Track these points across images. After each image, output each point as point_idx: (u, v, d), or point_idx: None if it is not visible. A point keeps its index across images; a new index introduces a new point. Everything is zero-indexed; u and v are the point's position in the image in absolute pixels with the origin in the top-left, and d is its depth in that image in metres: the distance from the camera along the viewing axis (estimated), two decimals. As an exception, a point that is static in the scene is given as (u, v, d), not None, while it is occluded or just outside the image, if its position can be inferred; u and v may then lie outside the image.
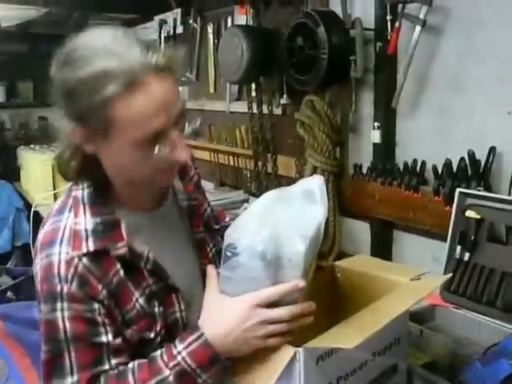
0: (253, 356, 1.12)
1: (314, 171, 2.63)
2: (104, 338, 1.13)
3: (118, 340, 1.16)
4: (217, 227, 1.54)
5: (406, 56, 2.21)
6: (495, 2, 1.95)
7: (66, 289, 1.10)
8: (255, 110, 3.20)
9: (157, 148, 1.11)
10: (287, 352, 1.09)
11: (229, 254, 1.10)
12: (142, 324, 1.20)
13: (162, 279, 1.24)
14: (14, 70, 5.51)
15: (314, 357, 1.10)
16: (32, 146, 4.91)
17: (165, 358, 1.12)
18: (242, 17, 3.21)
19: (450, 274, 1.87)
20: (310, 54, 2.43)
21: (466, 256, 1.91)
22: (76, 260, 1.12)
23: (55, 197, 4.19)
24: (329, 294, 1.61)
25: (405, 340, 1.44)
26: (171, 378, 1.09)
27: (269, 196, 1.19)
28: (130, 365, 1.15)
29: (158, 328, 1.22)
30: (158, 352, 1.14)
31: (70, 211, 1.19)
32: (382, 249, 2.58)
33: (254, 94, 3.20)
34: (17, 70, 5.51)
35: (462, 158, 2.05)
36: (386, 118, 2.42)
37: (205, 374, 1.10)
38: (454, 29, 2.12)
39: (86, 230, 1.15)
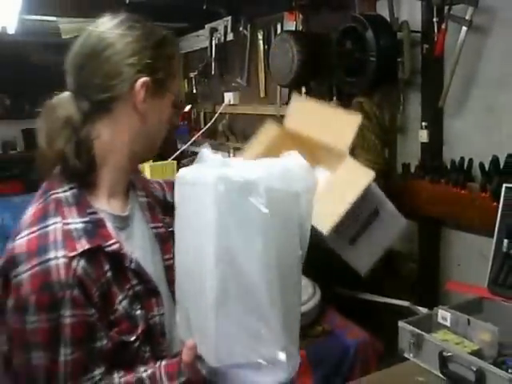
0: None
1: (363, 171, 2.69)
2: (99, 344, 1.14)
3: (108, 344, 1.16)
4: None
5: (452, 57, 2.27)
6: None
7: (68, 295, 1.09)
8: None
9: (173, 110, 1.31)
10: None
11: None
12: (124, 327, 1.19)
13: (143, 280, 1.25)
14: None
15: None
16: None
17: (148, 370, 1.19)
18: (291, 23, 3.30)
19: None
20: (359, 57, 2.50)
21: (513, 250, 1.96)
22: (75, 262, 1.10)
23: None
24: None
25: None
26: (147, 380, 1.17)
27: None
28: (116, 380, 1.17)
29: (139, 331, 1.21)
30: (145, 377, 1.18)
31: (55, 215, 1.16)
32: (430, 246, 2.62)
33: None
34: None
35: (509, 155, 2.10)
36: (434, 117, 2.48)
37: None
38: (500, 28, 2.17)
39: (76, 230, 1.14)
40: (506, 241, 1.98)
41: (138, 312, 1.22)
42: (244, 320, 1.09)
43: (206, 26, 4.40)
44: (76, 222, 1.15)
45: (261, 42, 3.78)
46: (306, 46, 2.89)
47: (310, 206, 1.19)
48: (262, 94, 3.86)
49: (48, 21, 4.06)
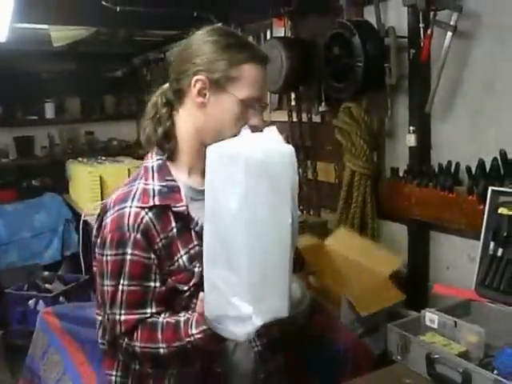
0: None
1: (353, 175, 2.72)
2: (152, 284, 1.43)
3: (163, 288, 1.44)
4: None
5: (438, 62, 2.29)
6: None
7: (132, 236, 1.40)
8: (295, 119, 3.31)
9: (253, 109, 1.46)
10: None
11: None
12: (180, 277, 1.46)
13: None
14: (63, 88, 5.70)
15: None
16: (80, 159, 5.10)
17: (184, 330, 1.38)
18: (280, 29, 3.33)
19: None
20: (347, 62, 2.53)
21: (500, 252, 1.97)
22: (143, 212, 1.41)
23: (103, 207, 4.36)
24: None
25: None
26: (187, 346, 1.38)
27: None
28: (161, 319, 1.42)
29: (192, 283, 1.46)
30: (182, 321, 1.40)
31: (141, 178, 1.49)
32: (420, 250, 2.64)
33: (293, 103, 3.31)
34: (65, 88, 5.70)
35: (495, 158, 2.12)
36: (421, 122, 2.50)
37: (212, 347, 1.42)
38: (484, 33, 2.21)
39: (153, 190, 1.45)
40: (492, 243, 2.00)
41: (196, 269, 1.46)
42: (225, 275, 1.25)
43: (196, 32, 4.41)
44: (154, 184, 1.47)
45: (251, 48, 3.79)
46: (295, 52, 2.92)
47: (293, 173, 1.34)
48: (253, 100, 3.86)
49: (39, 29, 4.07)
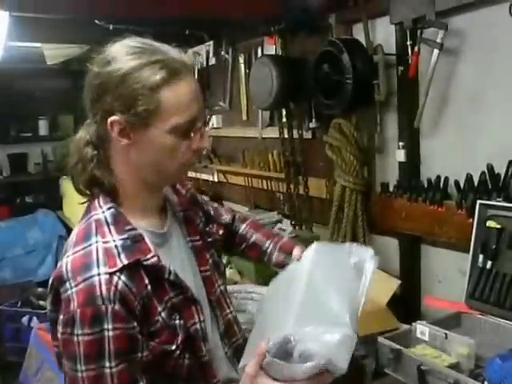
0: None
1: (343, 191, 2.75)
2: (139, 354, 1.20)
3: (149, 356, 1.23)
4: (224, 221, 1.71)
5: (426, 78, 2.33)
6: (508, 24, 2.05)
7: (110, 309, 1.15)
8: (286, 135, 3.33)
9: (187, 137, 1.25)
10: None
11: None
12: (164, 337, 1.26)
13: (182, 292, 1.31)
14: (56, 105, 5.76)
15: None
16: (74, 176, 5.12)
17: None
18: (271, 47, 3.37)
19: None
20: (336, 79, 2.56)
21: (489, 264, 2.02)
22: (115, 278, 1.18)
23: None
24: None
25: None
26: None
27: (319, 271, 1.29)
28: None
29: (179, 340, 1.28)
30: None
31: (96, 235, 1.24)
32: (411, 264, 2.67)
33: (284, 119, 3.33)
34: (59, 105, 5.75)
35: (483, 172, 2.15)
36: (410, 137, 2.53)
37: None
38: (470, 51, 2.25)
39: (116, 247, 1.22)
40: (481, 256, 2.04)
41: (177, 322, 1.29)
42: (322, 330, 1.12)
43: (189, 50, 4.46)
44: (115, 240, 1.23)
45: (242, 66, 3.85)
46: (285, 69, 2.95)
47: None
48: (245, 117, 3.92)
49: (33, 47, 4.11)
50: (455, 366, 1.73)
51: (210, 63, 4.22)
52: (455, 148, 2.37)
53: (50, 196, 5.47)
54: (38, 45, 4.03)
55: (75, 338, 1.15)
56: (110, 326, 1.15)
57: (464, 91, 2.31)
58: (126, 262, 1.20)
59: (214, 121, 4.23)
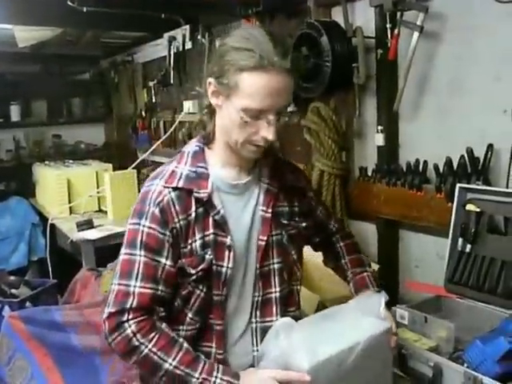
0: None
1: (322, 175, 2.73)
2: (163, 260, 1.48)
3: (172, 269, 1.49)
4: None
5: (405, 61, 2.31)
6: (488, 7, 2.05)
7: (151, 210, 1.48)
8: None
9: (254, 121, 1.43)
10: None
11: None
12: (190, 260, 1.51)
13: (222, 234, 1.52)
14: (28, 90, 5.63)
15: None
16: (47, 162, 5.04)
17: (205, 367, 1.43)
18: (248, 30, 3.32)
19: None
20: (315, 62, 2.53)
21: (468, 248, 2.01)
22: (166, 191, 1.50)
23: (71, 210, 4.32)
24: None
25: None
26: (196, 381, 1.41)
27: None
28: (181, 340, 1.46)
29: (200, 268, 1.50)
30: (203, 358, 1.46)
31: (175, 161, 1.57)
32: (389, 248, 2.66)
33: (261, 103, 3.30)
34: (31, 90, 5.63)
35: (462, 156, 2.15)
36: (389, 121, 2.52)
37: None
38: (450, 34, 2.24)
39: (181, 174, 1.52)
40: (460, 240, 2.03)
41: (207, 256, 1.51)
42: None
43: (165, 34, 4.40)
44: (184, 168, 1.54)
45: (219, 50, 3.78)
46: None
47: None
48: (222, 102, 3.86)
49: (3, 29, 4.00)
50: (435, 349, 1.73)
51: (186, 47, 4.16)
52: (434, 132, 2.36)
53: (23, 183, 5.35)
54: (10, 27, 3.91)
55: (127, 227, 1.53)
56: (147, 223, 1.48)
57: (443, 75, 2.30)
58: (181, 185, 1.50)
59: (191, 106, 4.15)
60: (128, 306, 1.44)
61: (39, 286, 3.82)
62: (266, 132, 1.45)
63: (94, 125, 6.17)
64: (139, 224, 1.49)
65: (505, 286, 1.87)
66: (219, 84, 1.44)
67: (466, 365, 1.57)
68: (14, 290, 3.89)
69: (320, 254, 1.97)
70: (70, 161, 4.98)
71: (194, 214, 1.50)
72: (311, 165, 2.86)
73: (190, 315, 1.54)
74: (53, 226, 4.11)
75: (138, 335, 1.42)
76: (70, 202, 4.32)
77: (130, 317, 1.43)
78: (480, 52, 2.15)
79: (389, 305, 2.06)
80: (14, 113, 5.65)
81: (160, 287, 1.47)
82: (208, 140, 1.59)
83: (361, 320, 1.53)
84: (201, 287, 1.52)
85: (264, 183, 1.63)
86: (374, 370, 1.52)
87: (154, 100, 4.91)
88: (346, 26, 2.56)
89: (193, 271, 1.50)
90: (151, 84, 4.85)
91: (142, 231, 1.48)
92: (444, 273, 2.08)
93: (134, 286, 1.45)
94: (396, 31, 2.31)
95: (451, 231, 2.06)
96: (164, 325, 1.47)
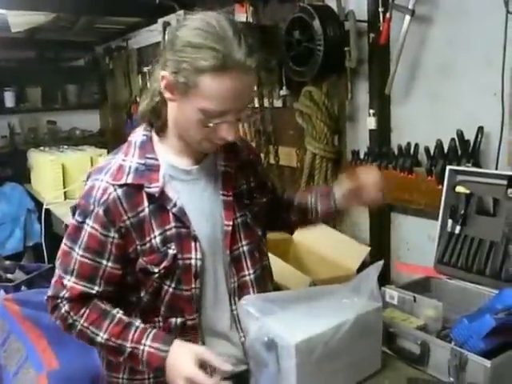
0: None
1: (314, 158, 2.74)
2: (104, 262, 1.43)
3: (116, 270, 1.45)
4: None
5: (397, 45, 2.32)
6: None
7: (95, 210, 1.41)
8: (257, 104, 3.30)
9: (213, 122, 1.34)
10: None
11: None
12: (152, 258, 1.44)
13: (184, 226, 1.45)
14: (23, 76, 5.62)
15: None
16: (41, 148, 5.05)
17: (135, 335, 1.42)
18: (242, 15, 3.32)
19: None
20: (307, 46, 2.54)
21: (457, 229, 2.03)
22: (111, 189, 1.41)
23: (65, 195, 4.33)
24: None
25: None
26: (128, 350, 1.41)
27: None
28: (114, 311, 1.45)
29: (162, 266, 1.44)
30: (136, 324, 1.44)
31: (121, 153, 1.48)
32: (381, 232, 2.68)
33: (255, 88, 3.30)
34: (25, 76, 5.62)
35: (453, 139, 2.16)
36: (381, 104, 2.53)
37: (147, 368, 1.44)
38: (442, 18, 2.24)
39: (129, 167, 1.43)
40: (450, 221, 2.05)
41: (170, 251, 1.44)
42: None
43: (159, 20, 4.37)
44: (132, 161, 1.44)
45: (213, 35, 3.77)
46: (256, 37, 2.90)
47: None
48: (216, 87, 3.86)
49: (-4, 14, 4.00)
50: (423, 328, 1.75)
51: (180, 33, 4.14)
52: (426, 115, 2.37)
53: (18, 169, 5.35)
54: (3, 11, 3.90)
55: (72, 220, 1.47)
56: (90, 223, 1.42)
57: (435, 58, 2.31)
58: (130, 181, 1.41)
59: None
60: (61, 295, 1.45)
61: (34, 271, 3.84)
62: (226, 133, 1.37)
63: (88, 111, 6.18)
64: (83, 222, 1.43)
65: (493, 267, 1.89)
66: (175, 80, 1.32)
67: (453, 342, 1.59)
68: (9, 275, 3.90)
69: (311, 235, 1.98)
70: (65, 146, 4.98)
71: (147, 210, 1.42)
72: (304, 149, 2.87)
73: (162, 309, 1.49)
74: (48, 211, 4.13)
75: (72, 313, 1.45)
76: (64, 188, 4.34)
77: (64, 301, 1.46)
78: (471, 36, 2.15)
79: (380, 287, 2.10)
80: (9, 99, 5.65)
81: (96, 287, 1.45)
82: (158, 128, 1.50)
83: (352, 298, 1.55)
84: (168, 283, 1.46)
85: (221, 165, 1.55)
86: (363, 348, 1.54)
87: (148, 86, 4.90)
88: (339, 10, 2.56)
89: (155, 269, 1.44)
90: (146, 70, 4.84)
91: (86, 230, 1.42)
92: (434, 253, 2.10)
93: (68, 280, 1.44)
94: (388, 15, 2.32)
95: (441, 213, 2.08)
96: (99, 300, 1.47)
